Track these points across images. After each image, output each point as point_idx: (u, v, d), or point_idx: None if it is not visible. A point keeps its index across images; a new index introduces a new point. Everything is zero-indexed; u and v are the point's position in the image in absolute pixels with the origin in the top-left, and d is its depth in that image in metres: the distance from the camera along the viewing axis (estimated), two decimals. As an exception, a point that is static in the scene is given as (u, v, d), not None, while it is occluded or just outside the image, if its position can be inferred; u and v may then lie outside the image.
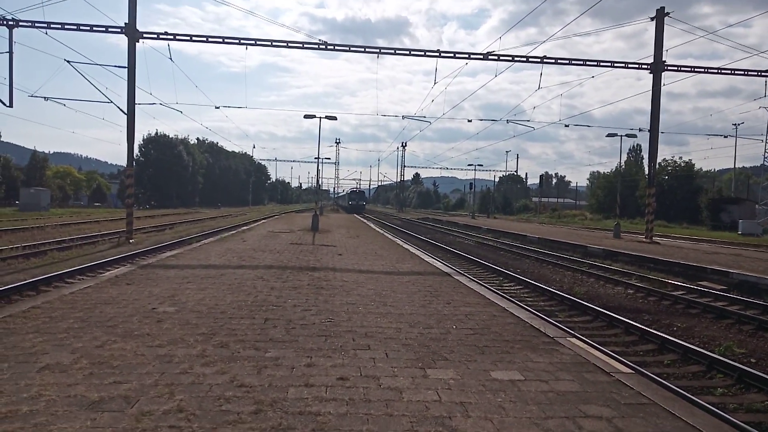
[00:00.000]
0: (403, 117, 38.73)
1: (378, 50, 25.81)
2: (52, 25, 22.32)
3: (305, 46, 25.24)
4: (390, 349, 5.99)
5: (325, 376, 5.01)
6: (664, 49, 26.87)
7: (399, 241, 22.76)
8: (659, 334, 9.21)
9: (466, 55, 26.00)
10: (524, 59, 25.65)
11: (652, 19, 26.91)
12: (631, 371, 5.65)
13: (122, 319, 6.97)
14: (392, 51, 26.49)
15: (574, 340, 6.89)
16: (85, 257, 17.72)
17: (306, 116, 28.09)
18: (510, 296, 12.15)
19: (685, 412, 4.45)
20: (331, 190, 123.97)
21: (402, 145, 73.61)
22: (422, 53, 25.96)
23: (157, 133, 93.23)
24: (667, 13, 26.59)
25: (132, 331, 6.35)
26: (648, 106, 27.79)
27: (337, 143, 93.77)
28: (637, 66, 27.42)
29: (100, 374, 4.81)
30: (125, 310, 7.52)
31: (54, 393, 4.33)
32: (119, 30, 22.56)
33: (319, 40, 25.46)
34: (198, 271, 11.68)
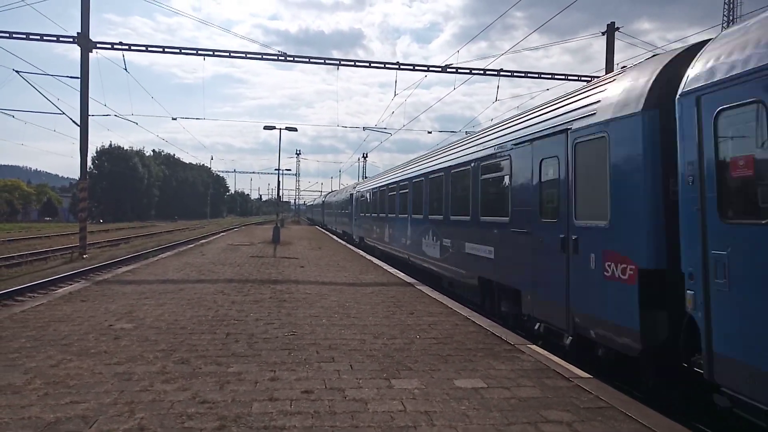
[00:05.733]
0: (364, 128, 38.66)
1: (338, 62, 25.87)
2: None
3: (264, 57, 25.08)
4: (354, 361, 6.00)
5: (290, 389, 4.98)
6: (615, 62, 27.84)
7: (362, 252, 22.75)
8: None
9: (426, 68, 26.28)
10: (482, 72, 26.12)
11: (603, 33, 27.86)
12: (589, 376, 5.80)
13: (77, 336, 6.77)
14: (352, 63, 26.55)
15: (534, 346, 7.04)
16: (36, 274, 17.10)
17: (266, 127, 27.92)
18: (472, 305, 12.25)
19: (640, 414, 4.60)
20: (293, 201, 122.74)
21: (363, 156, 73.68)
22: (382, 65, 26.13)
23: (111, 145, 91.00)
24: (617, 28, 27.62)
25: (88, 349, 6.17)
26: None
27: (298, 154, 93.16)
28: (589, 78, 28.29)
29: (56, 394, 4.66)
30: (80, 327, 7.30)
31: (6, 415, 4.18)
32: (71, 40, 21.94)
33: (278, 51, 25.40)
34: (156, 286, 11.42)
